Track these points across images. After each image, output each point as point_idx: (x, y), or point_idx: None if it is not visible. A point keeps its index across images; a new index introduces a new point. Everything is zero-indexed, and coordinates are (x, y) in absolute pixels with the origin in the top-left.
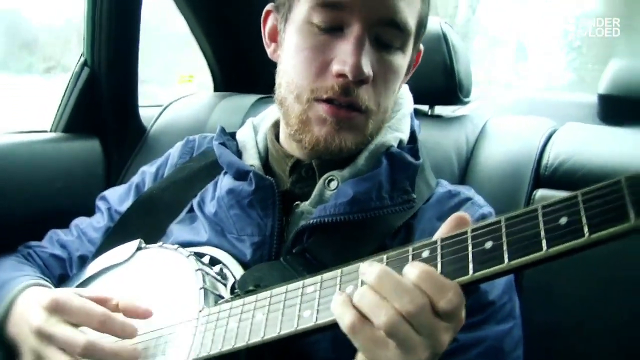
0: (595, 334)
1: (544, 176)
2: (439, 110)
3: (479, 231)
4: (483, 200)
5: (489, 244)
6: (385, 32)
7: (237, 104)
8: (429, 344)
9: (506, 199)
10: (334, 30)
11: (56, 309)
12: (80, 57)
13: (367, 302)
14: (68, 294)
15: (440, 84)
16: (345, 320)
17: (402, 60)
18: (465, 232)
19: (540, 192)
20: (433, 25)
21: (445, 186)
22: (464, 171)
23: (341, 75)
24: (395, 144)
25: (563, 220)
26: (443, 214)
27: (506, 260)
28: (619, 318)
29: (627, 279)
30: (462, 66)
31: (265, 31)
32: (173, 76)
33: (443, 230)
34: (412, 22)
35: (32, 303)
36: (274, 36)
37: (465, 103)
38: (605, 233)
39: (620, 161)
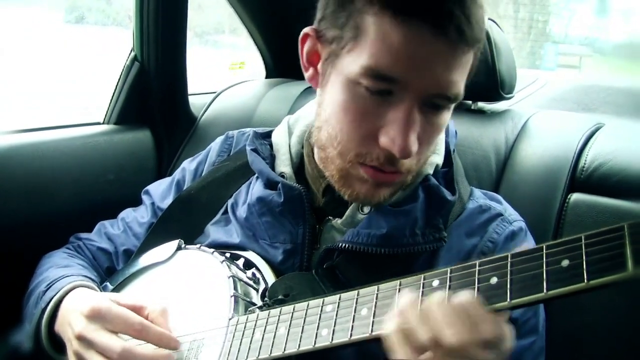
0: (621, 344)
1: (579, 180)
2: (482, 104)
3: (486, 266)
4: (514, 215)
5: (494, 280)
6: (436, 100)
7: (286, 93)
8: None
9: (541, 203)
10: (383, 94)
11: (96, 317)
12: (130, 52)
13: None
14: (107, 302)
15: (482, 81)
16: None
17: (447, 115)
18: (474, 265)
19: (574, 197)
20: None
21: (476, 199)
22: (501, 172)
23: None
24: (432, 171)
25: (565, 262)
26: (473, 231)
27: (508, 298)
28: None
29: None
30: (504, 63)
31: (304, 52)
32: None
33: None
34: (463, 86)
35: (74, 308)
36: (313, 61)
37: (508, 99)
38: (604, 280)
39: None
